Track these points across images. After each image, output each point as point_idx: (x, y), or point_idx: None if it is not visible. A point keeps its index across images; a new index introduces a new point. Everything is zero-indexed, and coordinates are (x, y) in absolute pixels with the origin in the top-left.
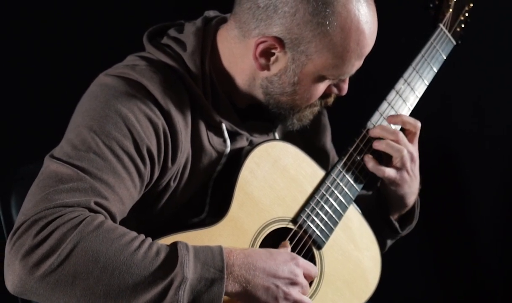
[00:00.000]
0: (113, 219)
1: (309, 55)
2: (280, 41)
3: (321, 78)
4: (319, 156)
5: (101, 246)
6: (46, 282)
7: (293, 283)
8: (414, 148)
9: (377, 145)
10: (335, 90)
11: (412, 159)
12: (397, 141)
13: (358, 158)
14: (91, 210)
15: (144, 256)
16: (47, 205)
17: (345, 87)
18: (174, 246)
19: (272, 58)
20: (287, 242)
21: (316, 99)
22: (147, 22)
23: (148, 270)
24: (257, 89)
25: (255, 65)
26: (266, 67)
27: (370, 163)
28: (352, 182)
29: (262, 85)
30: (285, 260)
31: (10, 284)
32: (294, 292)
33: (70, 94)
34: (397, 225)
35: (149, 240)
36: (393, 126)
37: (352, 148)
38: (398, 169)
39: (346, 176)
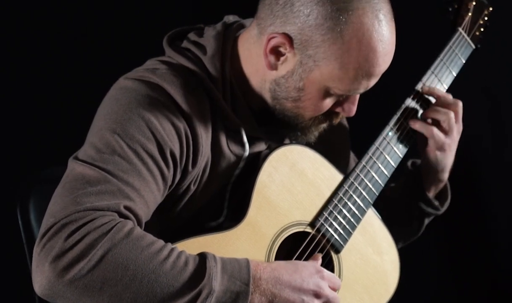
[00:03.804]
0: (140, 222)
1: (317, 61)
2: (289, 39)
3: (326, 91)
4: (338, 159)
5: (131, 253)
6: (74, 286)
7: (318, 295)
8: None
9: (425, 113)
10: (341, 110)
11: (458, 131)
12: (443, 106)
13: (377, 162)
14: (121, 214)
15: (173, 265)
16: (77, 208)
17: (353, 108)
18: (202, 257)
19: (282, 58)
20: (318, 255)
21: (320, 113)
22: (166, 26)
23: (176, 280)
24: (266, 93)
25: (264, 62)
26: (275, 67)
27: (416, 123)
28: (371, 186)
29: (270, 88)
30: (310, 273)
31: (38, 286)
32: None
33: (88, 99)
34: (437, 202)
35: (177, 249)
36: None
37: (371, 152)
38: (446, 133)
39: (365, 179)
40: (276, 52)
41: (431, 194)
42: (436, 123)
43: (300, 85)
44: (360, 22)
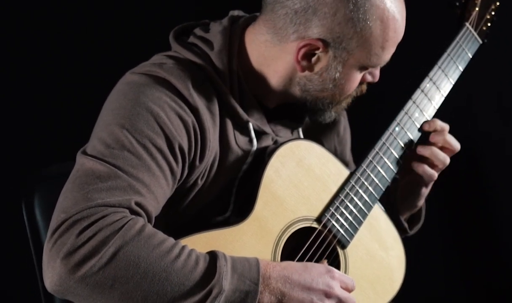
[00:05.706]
0: (150, 218)
1: (350, 51)
2: (323, 42)
3: (360, 69)
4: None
5: (142, 251)
6: (85, 283)
7: (328, 295)
8: None
9: (422, 151)
10: (369, 77)
11: None
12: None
13: (383, 158)
14: (132, 211)
15: (184, 264)
16: (89, 204)
17: (378, 73)
18: (213, 256)
19: (314, 59)
20: (324, 260)
21: (354, 89)
22: (171, 22)
23: (187, 279)
24: (293, 87)
25: (296, 67)
26: (308, 68)
27: (419, 167)
28: (377, 181)
29: (299, 83)
30: (319, 273)
31: (49, 282)
32: None
33: (89, 97)
34: (406, 224)
35: (188, 247)
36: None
37: (378, 147)
38: (437, 170)
39: (371, 175)
40: (307, 56)
41: (403, 217)
42: (431, 162)
43: (337, 76)
44: (383, 2)
